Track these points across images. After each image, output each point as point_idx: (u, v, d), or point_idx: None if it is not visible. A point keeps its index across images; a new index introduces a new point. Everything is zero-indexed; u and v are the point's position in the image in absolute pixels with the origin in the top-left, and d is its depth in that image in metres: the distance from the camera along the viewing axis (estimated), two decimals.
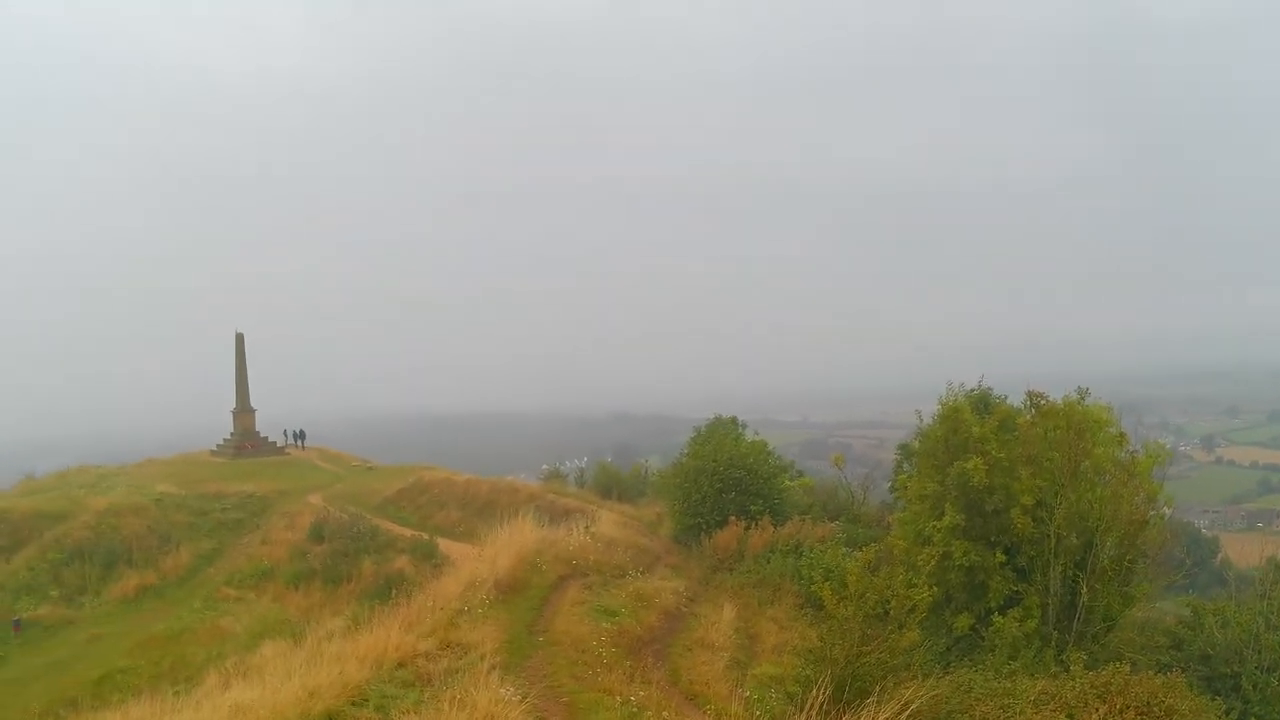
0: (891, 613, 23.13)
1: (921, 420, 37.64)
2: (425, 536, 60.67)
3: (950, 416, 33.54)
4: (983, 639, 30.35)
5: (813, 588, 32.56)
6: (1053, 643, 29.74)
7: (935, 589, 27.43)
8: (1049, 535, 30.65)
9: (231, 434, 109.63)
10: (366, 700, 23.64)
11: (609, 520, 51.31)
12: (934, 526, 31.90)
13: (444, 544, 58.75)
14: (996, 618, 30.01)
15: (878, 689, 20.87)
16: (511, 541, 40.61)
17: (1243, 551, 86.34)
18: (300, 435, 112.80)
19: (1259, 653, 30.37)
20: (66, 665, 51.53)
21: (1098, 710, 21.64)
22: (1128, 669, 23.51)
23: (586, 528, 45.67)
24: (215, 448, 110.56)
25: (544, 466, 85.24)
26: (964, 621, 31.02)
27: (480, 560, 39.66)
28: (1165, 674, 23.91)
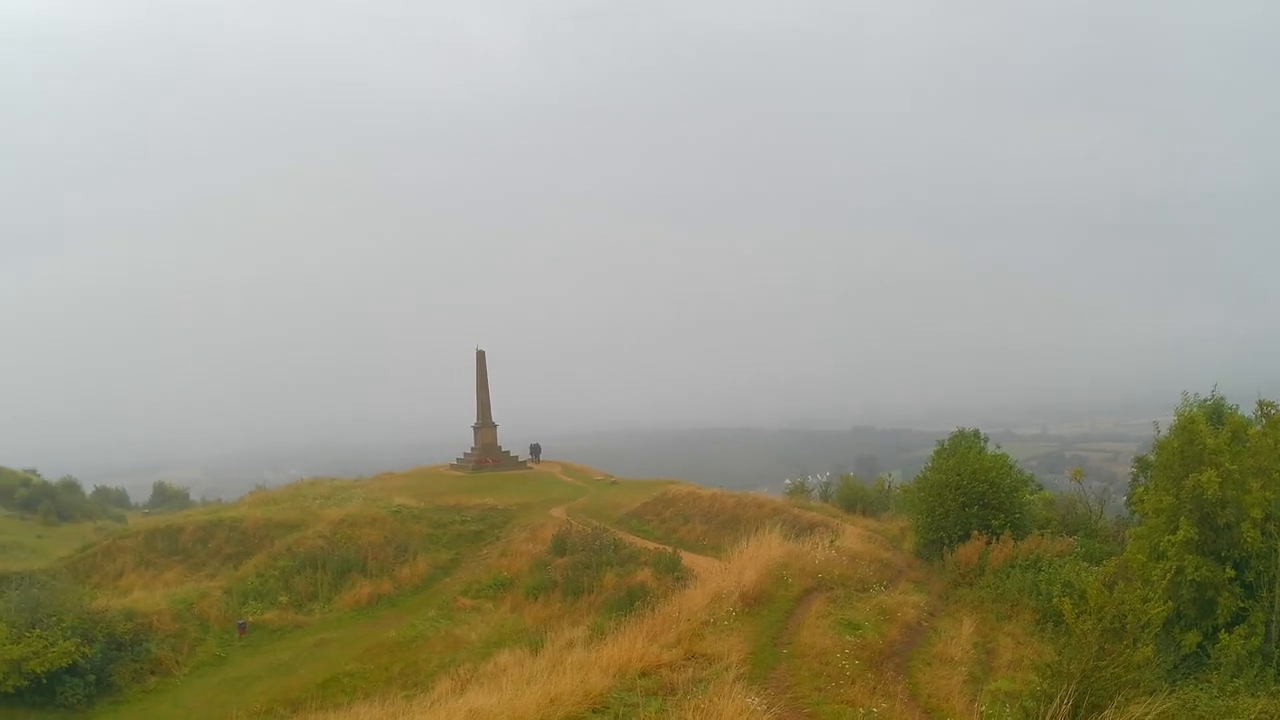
0: (1128, 627, 23.02)
1: (1159, 432, 37.24)
2: (669, 550, 60.67)
3: (1185, 428, 33.22)
4: (1209, 656, 30.15)
5: (1052, 602, 32.35)
6: (1275, 661, 29.49)
7: (1168, 604, 27.18)
8: (1277, 550, 30.24)
9: (472, 448, 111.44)
10: (608, 708, 24.23)
11: (853, 534, 51.30)
12: (1168, 541, 31.65)
13: (687, 557, 58.87)
14: (1223, 635, 29.80)
15: (1112, 705, 20.87)
16: (758, 554, 41.13)
17: None
18: (536, 449, 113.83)
19: None
20: (290, 667, 53.26)
21: None
22: None
23: (831, 541, 45.86)
24: (455, 462, 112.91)
25: (787, 481, 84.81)
26: (1192, 638, 30.77)
27: (726, 573, 40.31)
28: None
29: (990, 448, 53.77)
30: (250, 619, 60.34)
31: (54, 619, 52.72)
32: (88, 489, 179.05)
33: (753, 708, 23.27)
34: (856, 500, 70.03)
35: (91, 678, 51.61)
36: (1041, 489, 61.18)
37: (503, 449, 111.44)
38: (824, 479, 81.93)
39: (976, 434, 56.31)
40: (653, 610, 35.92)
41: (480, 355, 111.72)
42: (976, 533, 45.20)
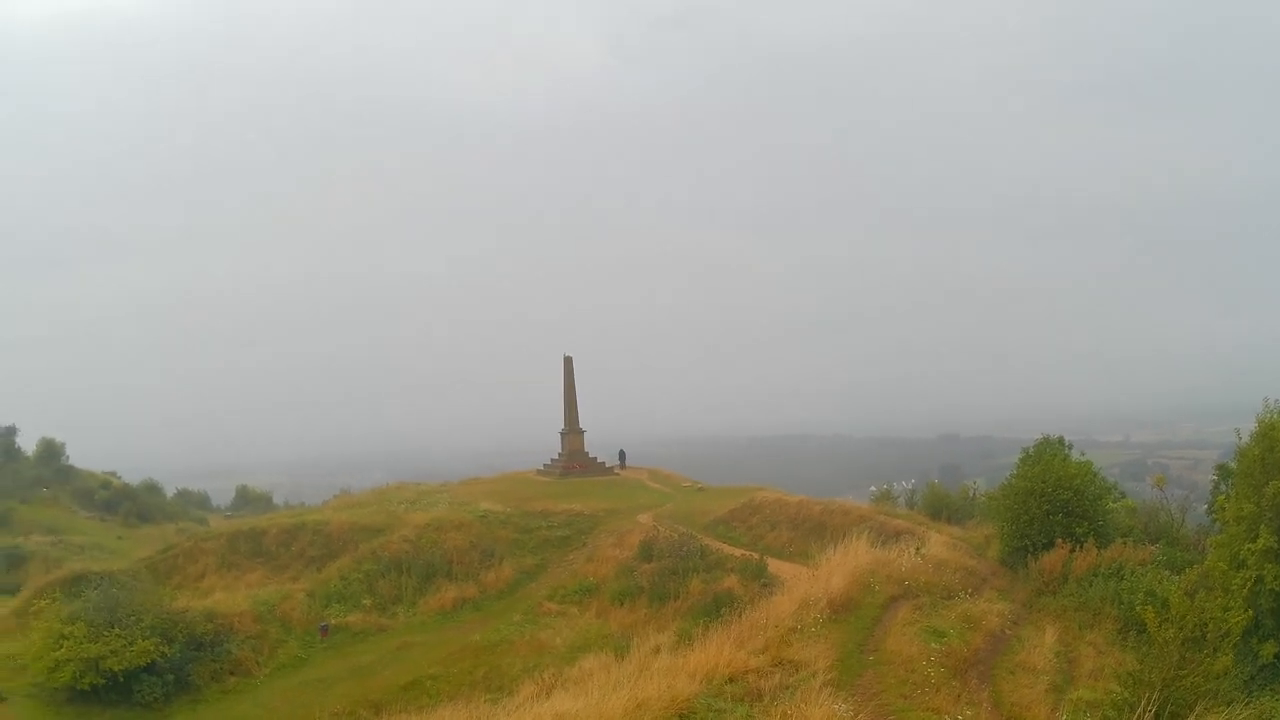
0: (1208, 637, 23.20)
1: (1240, 439, 37.11)
2: (755, 556, 60.70)
3: (1266, 434, 33.03)
4: None
5: (1134, 611, 32.42)
6: None
7: (1247, 613, 27.22)
8: None
9: (560, 454, 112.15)
10: (694, 713, 24.68)
11: (938, 542, 51.33)
12: (1248, 549, 31.59)
13: (774, 564, 58.77)
14: None
15: (1192, 715, 21.14)
16: (845, 562, 41.44)
17: None
18: (623, 455, 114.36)
19: None
20: (372, 670, 53.83)
21: None
22: None
23: (917, 549, 45.98)
24: (542, 467, 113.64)
25: (872, 488, 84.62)
26: (1269, 649, 30.36)
27: (814, 580, 40.48)
28: None
29: (1074, 455, 53.73)
30: (333, 621, 61.20)
31: (133, 619, 53.71)
32: (169, 492, 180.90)
33: (839, 714, 23.65)
34: (942, 507, 70.02)
35: (170, 677, 52.74)
36: (1124, 497, 61.00)
37: (590, 455, 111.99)
38: (909, 486, 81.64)
39: (1061, 441, 56.25)
40: (739, 616, 36.30)
41: (567, 361, 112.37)
42: (1060, 541, 45.11)
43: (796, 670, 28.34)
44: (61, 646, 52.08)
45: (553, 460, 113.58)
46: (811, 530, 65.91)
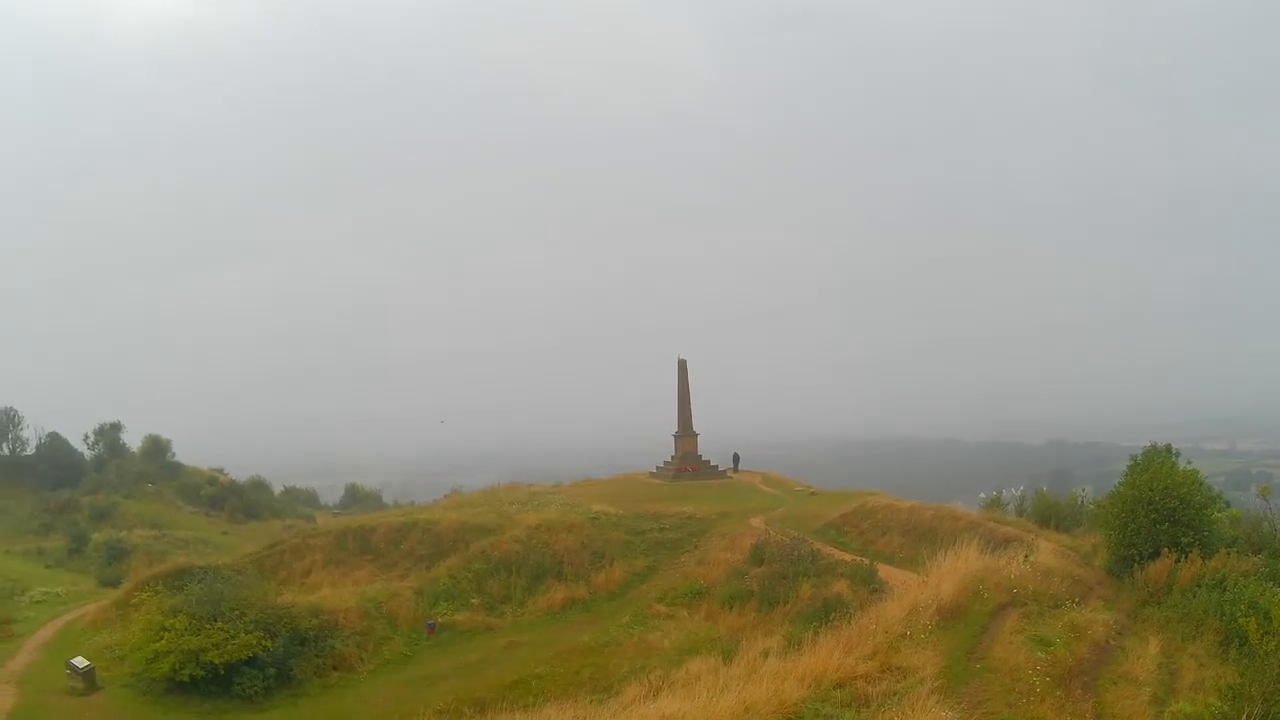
0: None
1: None
2: (865, 561, 61.24)
3: None
4: None
5: (1236, 623, 32.62)
6: None
7: None
8: None
9: (672, 457, 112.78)
10: (801, 718, 25.21)
11: (1046, 549, 51.16)
12: None
13: (883, 570, 59.26)
14: None
15: None
16: (955, 568, 41.60)
17: None
18: (736, 459, 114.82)
19: None
20: (478, 668, 54.60)
21: None
22: None
23: (1025, 557, 46.01)
24: (655, 470, 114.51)
25: (981, 494, 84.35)
26: None
27: (924, 586, 40.75)
28: None
29: (1181, 463, 53.62)
30: (440, 619, 62.27)
31: (236, 613, 55.20)
32: (277, 489, 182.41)
33: None
34: (1050, 514, 69.78)
35: (271, 671, 54.06)
36: (1229, 506, 60.74)
37: (703, 457, 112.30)
38: (1018, 492, 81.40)
39: (1169, 449, 56.16)
40: (849, 622, 36.82)
41: (681, 364, 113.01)
42: (1166, 550, 45.16)
43: (904, 676, 28.85)
44: (162, 638, 53.67)
45: (666, 463, 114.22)
46: (922, 536, 66.22)
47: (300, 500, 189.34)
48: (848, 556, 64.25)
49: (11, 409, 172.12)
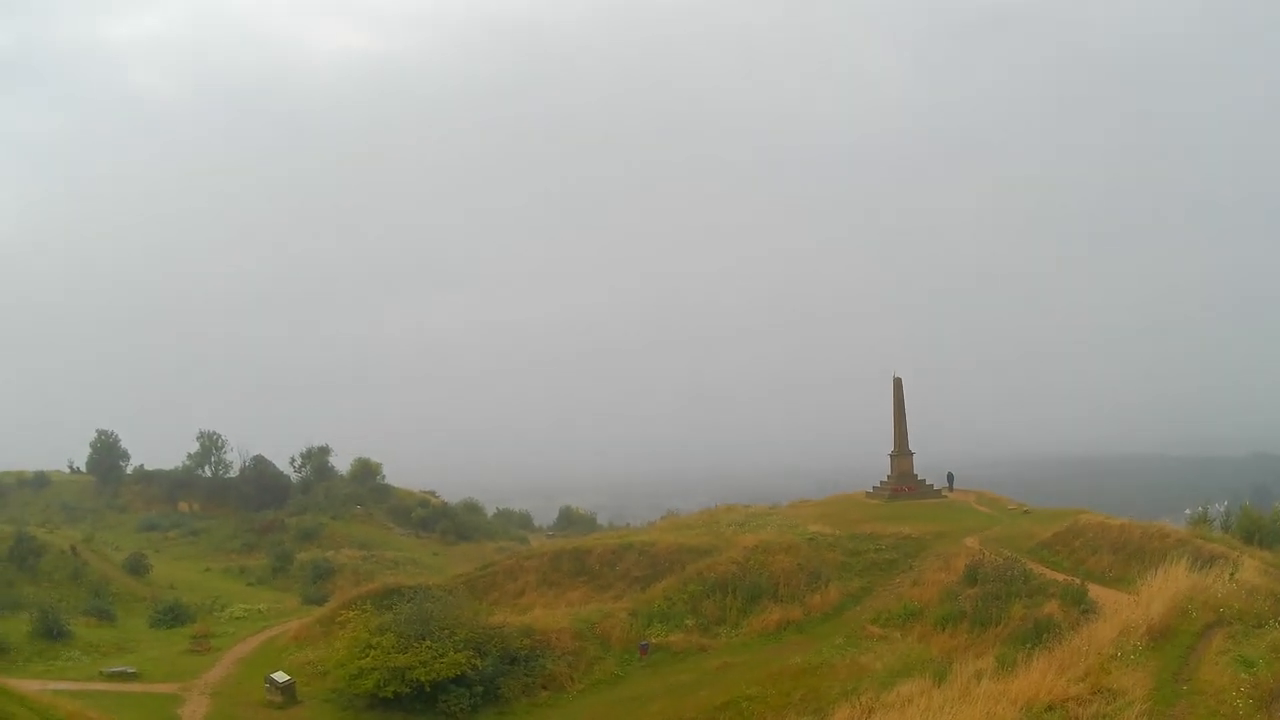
0: None
1: None
2: (1076, 581, 60.55)
3: None
4: None
5: None
6: None
7: None
8: None
9: (888, 477, 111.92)
10: None
11: (1250, 567, 50.93)
12: None
13: (1093, 589, 58.72)
14: None
15: None
16: (1164, 588, 41.34)
17: None
18: (950, 478, 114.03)
19: None
20: (689, 689, 54.80)
21: None
22: None
23: (1230, 575, 45.74)
24: (871, 490, 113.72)
25: (1187, 511, 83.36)
26: None
27: (1134, 606, 40.57)
28: None
29: None
30: (653, 640, 62.73)
31: (445, 632, 56.45)
32: (490, 511, 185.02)
33: None
34: (1254, 530, 69.08)
35: (479, 689, 55.24)
36: None
37: (918, 477, 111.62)
38: (1222, 508, 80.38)
39: None
40: (1059, 643, 36.86)
41: (897, 382, 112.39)
42: None
43: (1114, 699, 28.84)
44: (367, 655, 55.23)
45: (881, 483, 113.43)
46: (1132, 554, 66.10)
47: (514, 522, 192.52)
48: (1059, 576, 63.93)
49: (215, 433, 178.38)
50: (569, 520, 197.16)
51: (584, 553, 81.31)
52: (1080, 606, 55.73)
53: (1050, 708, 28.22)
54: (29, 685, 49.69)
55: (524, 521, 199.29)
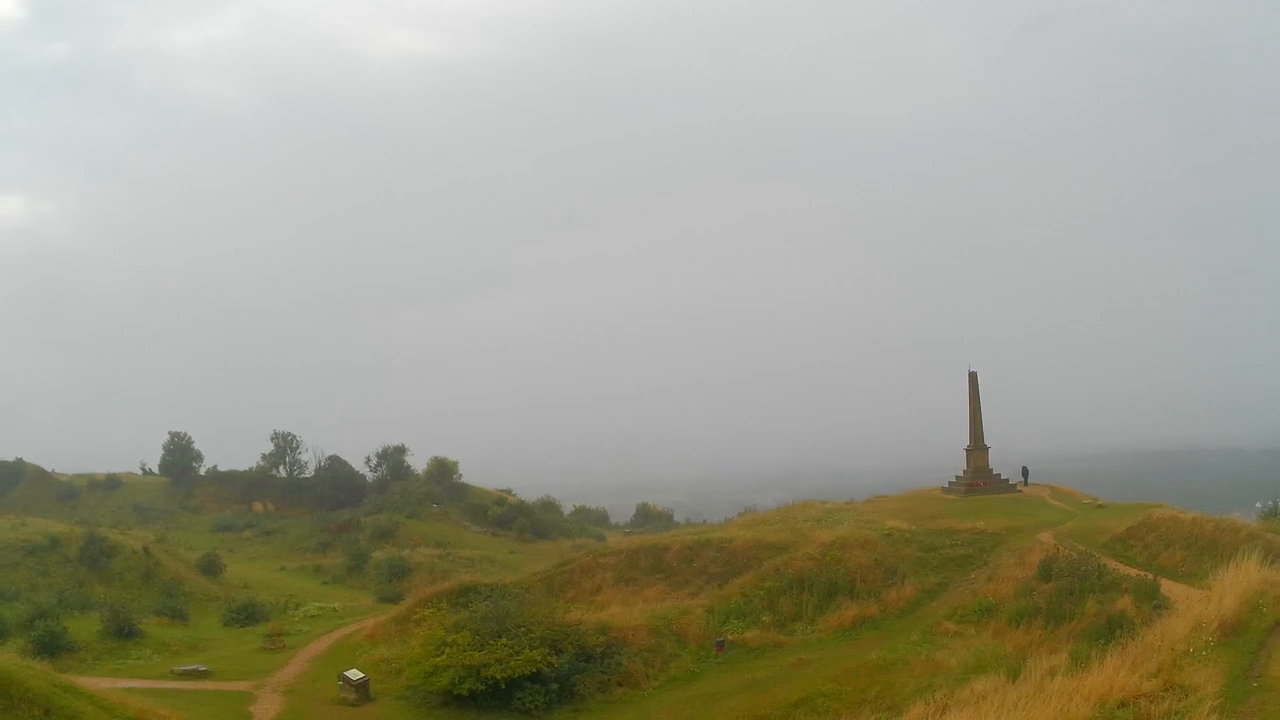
0: None
1: None
2: (1149, 576, 60.34)
3: None
4: None
5: None
6: None
7: None
8: None
9: (964, 471, 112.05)
10: None
11: None
12: None
13: (1166, 584, 58.47)
14: None
15: None
16: (1236, 582, 41.40)
17: None
18: (1025, 472, 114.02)
19: None
20: (764, 686, 55.16)
21: None
22: None
23: None
24: (947, 485, 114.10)
25: (1257, 504, 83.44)
26: None
27: (1206, 601, 40.74)
28: None
29: None
30: (730, 637, 63.30)
31: (521, 629, 57.40)
32: (567, 509, 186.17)
33: None
34: None
35: (555, 686, 56.14)
36: None
37: (994, 471, 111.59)
38: None
39: None
40: (1132, 638, 37.32)
41: (972, 377, 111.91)
42: None
43: (1185, 695, 28.99)
44: (443, 653, 56.25)
45: (957, 478, 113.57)
46: (1204, 549, 65.93)
47: (591, 520, 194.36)
48: (1132, 571, 63.79)
49: (290, 434, 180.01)
50: (646, 517, 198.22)
51: (661, 550, 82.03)
52: (1153, 602, 55.65)
53: (1123, 704, 28.33)
54: (98, 683, 50.91)
55: (601, 519, 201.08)
